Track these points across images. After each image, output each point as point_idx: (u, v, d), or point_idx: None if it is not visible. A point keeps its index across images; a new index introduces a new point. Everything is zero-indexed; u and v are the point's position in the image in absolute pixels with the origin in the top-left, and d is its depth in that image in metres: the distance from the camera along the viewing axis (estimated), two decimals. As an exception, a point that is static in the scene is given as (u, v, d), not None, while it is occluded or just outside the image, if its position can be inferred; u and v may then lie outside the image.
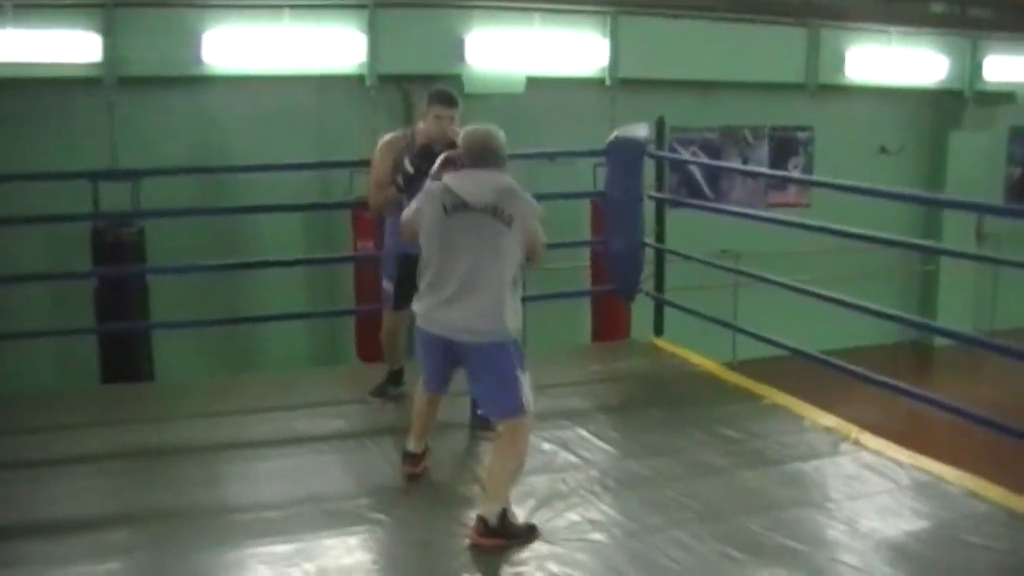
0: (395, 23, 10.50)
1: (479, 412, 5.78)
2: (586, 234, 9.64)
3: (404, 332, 6.48)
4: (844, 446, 5.92)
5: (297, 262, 9.89)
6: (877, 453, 5.79)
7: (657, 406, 6.74)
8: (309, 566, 4.52)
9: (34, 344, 9.02)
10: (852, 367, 6.46)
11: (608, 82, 11.64)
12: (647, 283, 8.27)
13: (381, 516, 5.03)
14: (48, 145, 9.54)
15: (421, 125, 6.17)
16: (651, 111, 8.44)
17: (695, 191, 12.81)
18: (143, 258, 8.90)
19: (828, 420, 6.31)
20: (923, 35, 13.46)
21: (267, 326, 9.76)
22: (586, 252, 9.85)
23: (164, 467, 5.66)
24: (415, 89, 9.65)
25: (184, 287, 9.35)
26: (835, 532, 4.85)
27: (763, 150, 13.51)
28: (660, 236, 8.25)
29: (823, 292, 6.73)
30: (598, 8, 11.51)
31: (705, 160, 12.94)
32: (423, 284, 4.99)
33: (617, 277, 8.24)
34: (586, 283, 10.00)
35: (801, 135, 13.71)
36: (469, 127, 5.13)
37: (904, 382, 6.27)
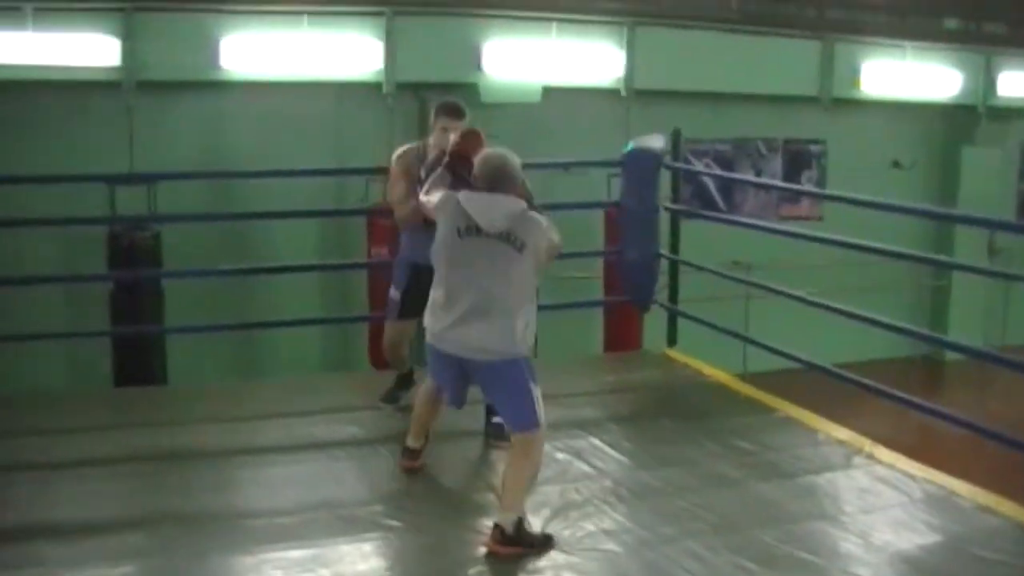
0: (413, 31, 10.54)
1: (494, 420, 5.82)
2: (599, 244, 9.65)
3: (407, 343, 6.50)
4: (857, 459, 5.93)
5: (312, 267, 9.93)
6: (890, 466, 5.80)
7: (670, 417, 6.76)
8: (324, 572, 4.54)
9: (46, 346, 9.06)
10: (867, 381, 6.47)
11: (624, 93, 11.67)
12: (661, 294, 8.28)
13: (395, 523, 5.04)
14: (66, 148, 9.60)
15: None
16: (666, 122, 8.46)
17: (708, 203, 12.81)
18: (159, 262, 8.93)
19: (841, 433, 6.31)
20: (937, 50, 13.48)
21: (280, 330, 9.80)
22: (598, 262, 9.86)
23: (178, 471, 5.67)
24: (432, 97, 9.64)
25: (198, 291, 9.40)
26: (849, 545, 4.86)
27: (776, 162, 13.52)
28: (675, 247, 8.26)
29: (836, 305, 6.75)
30: (615, 19, 11.55)
31: (720, 172, 12.94)
32: (435, 302, 5.03)
33: (632, 287, 8.25)
34: (598, 293, 10.01)
35: (814, 148, 13.72)
36: (485, 151, 5.18)
37: (915, 396, 6.29)
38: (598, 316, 10.12)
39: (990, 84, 14.01)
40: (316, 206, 9.89)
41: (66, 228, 9.07)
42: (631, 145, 8.07)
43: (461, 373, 5.05)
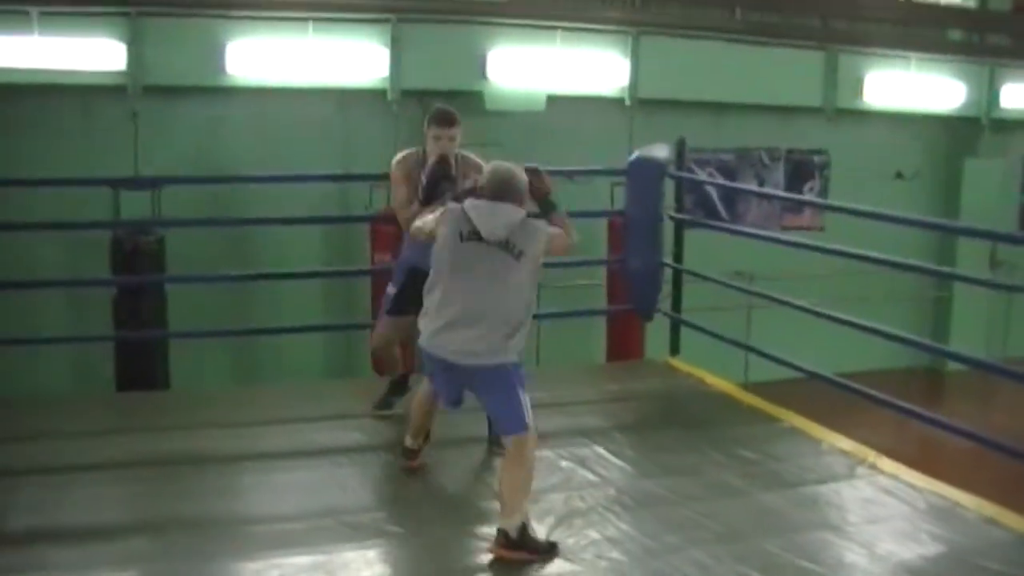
0: (418, 38, 10.57)
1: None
2: (601, 253, 9.67)
3: (398, 344, 6.46)
4: (861, 469, 5.93)
5: (316, 274, 9.94)
6: (893, 477, 5.80)
7: (674, 426, 6.76)
8: (329, 578, 4.55)
9: (49, 349, 9.08)
10: (873, 392, 6.48)
11: (628, 102, 11.69)
12: (664, 303, 8.29)
13: (399, 529, 5.05)
14: (71, 152, 9.62)
15: None
16: (669, 131, 8.49)
17: (711, 212, 12.82)
18: (162, 267, 8.93)
19: (845, 443, 6.31)
20: (941, 61, 13.50)
21: (283, 336, 9.80)
22: (601, 271, 9.87)
23: (182, 476, 5.67)
24: (436, 105, 9.67)
25: (202, 295, 9.40)
26: (853, 555, 4.86)
27: (779, 173, 13.54)
28: (678, 256, 8.27)
29: (839, 315, 6.76)
30: (619, 28, 11.57)
31: (724, 182, 12.95)
32: (429, 305, 5.07)
33: (636, 296, 8.25)
34: (600, 301, 10.02)
35: (817, 158, 13.75)
36: (495, 162, 5.23)
37: (917, 407, 6.29)
38: (600, 325, 10.13)
39: (993, 96, 14.06)
40: (320, 212, 9.92)
41: (70, 231, 9.09)
42: (636, 154, 8.08)
43: (452, 378, 5.10)
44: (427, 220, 5.27)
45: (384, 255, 9.05)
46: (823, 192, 13.70)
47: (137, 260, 8.82)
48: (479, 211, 4.99)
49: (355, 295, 10.13)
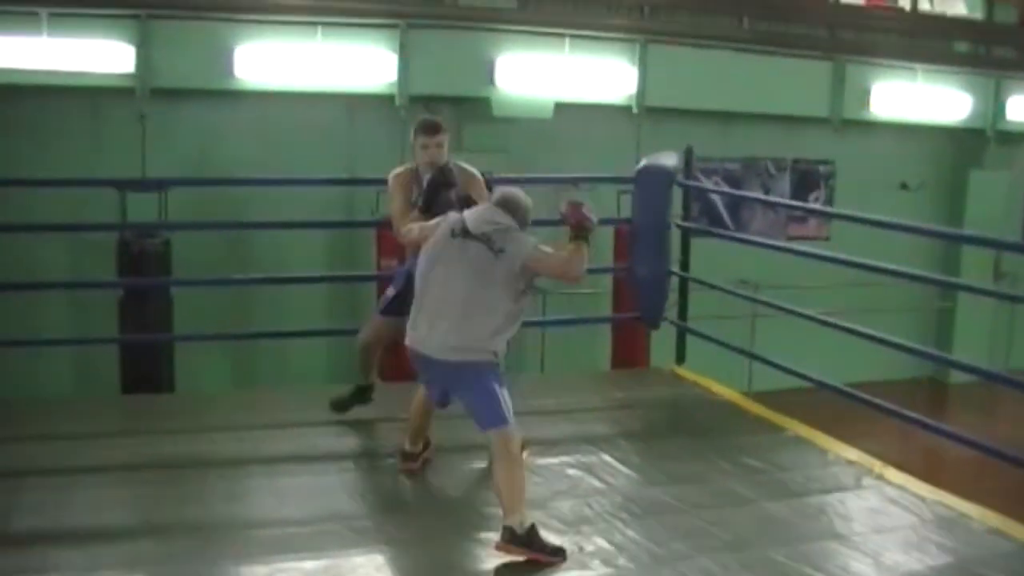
0: (426, 44, 10.56)
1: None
2: (607, 260, 9.66)
3: (382, 347, 6.47)
4: (867, 479, 5.93)
5: (321, 279, 9.94)
6: (900, 487, 5.80)
7: (680, 434, 6.77)
8: (337, 583, 4.55)
9: (54, 351, 9.07)
10: (880, 402, 6.47)
11: (635, 110, 11.69)
12: (670, 311, 8.28)
13: (407, 535, 5.06)
14: (78, 154, 9.64)
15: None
16: (677, 140, 8.48)
17: (716, 221, 12.79)
18: (168, 269, 8.94)
19: (851, 453, 6.31)
20: (948, 73, 13.51)
21: (288, 340, 9.79)
22: (607, 278, 9.87)
23: (189, 479, 5.67)
24: (444, 110, 9.70)
25: (207, 298, 9.39)
26: (859, 565, 4.85)
27: (785, 182, 13.54)
28: (685, 264, 8.27)
29: (845, 324, 6.76)
30: (627, 36, 11.58)
31: (731, 190, 12.95)
32: (413, 304, 5.18)
33: (643, 304, 8.24)
34: (606, 309, 10.01)
35: (823, 168, 13.75)
36: (502, 187, 5.41)
37: (922, 417, 6.29)
38: (606, 332, 10.13)
39: (999, 108, 14.06)
40: (327, 217, 9.91)
41: (76, 233, 9.10)
42: (644, 162, 8.08)
43: (436, 374, 5.17)
44: (426, 225, 5.39)
45: (390, 260, 9.05)
46: (829, 202, 13.68)
47: (143, 263, 8.82)
48: (474, 211, 5.21)
49: (360, 300, 10.10)
